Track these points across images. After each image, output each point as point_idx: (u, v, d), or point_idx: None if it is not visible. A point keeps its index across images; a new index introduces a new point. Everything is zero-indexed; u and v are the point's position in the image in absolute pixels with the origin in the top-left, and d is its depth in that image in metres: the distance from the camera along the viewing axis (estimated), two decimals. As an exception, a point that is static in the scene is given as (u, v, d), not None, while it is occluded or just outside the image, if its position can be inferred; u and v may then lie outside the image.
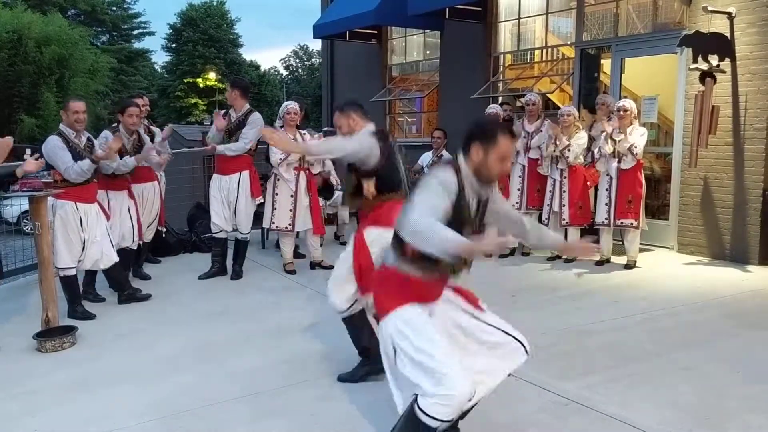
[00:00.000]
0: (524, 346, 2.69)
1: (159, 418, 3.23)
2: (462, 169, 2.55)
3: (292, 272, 6.23)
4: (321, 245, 6.54)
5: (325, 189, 6.88)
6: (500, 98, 9.11)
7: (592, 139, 6.49)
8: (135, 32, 40.67)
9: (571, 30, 8.65)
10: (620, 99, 6.64)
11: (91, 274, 5.41)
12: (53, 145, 4.81)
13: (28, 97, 24.99)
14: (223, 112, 6.10)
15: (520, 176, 6.80)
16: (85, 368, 3.96)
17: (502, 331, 2.68)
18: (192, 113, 40.76)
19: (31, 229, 4.70)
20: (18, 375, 3.90)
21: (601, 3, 8.24)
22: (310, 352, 4.02)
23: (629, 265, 6.18)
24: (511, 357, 2.68)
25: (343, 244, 6.27)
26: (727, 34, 6.36)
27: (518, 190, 6.81)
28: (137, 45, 40.21)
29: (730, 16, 6.35)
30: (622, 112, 6.01)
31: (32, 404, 3.45)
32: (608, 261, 6.35)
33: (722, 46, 6.31)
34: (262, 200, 6.17)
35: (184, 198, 8.16)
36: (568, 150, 6.26)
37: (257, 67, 45.35)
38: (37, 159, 4.54)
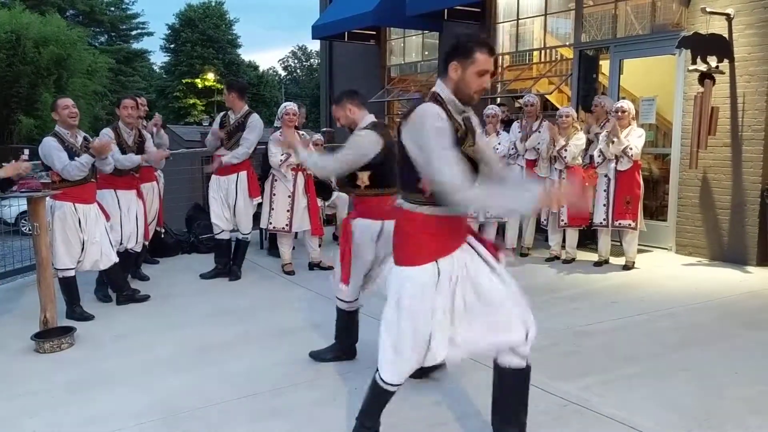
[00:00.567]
0: (526, 333, 2.59)
1: (158, 419, 3.23)
2: (442, 93, 2.52)
3: (291, 273, 6.23)
4: (320, 246, 6.54)
5: (323, 190, 6.88)
6: (498, 99, 9.12)
7: (590, 141, 6.49)
8: (133, 33, 40.70)
9: (569, 31, 8.66)
10: (618, 100, 6.64)
11: (101, 274, 5.40)
12: (49, 146, 4.80)
13: (26, 98, 24.98)
14: (222, 114, 6.11)
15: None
16: (83, 369, 3.96)
17: (513, 307, 2.59)
18: (190, 114, 40.78)
19: (30, 230, 4.69)
20: (16, 376, 3.89)
21: (599, 4, 8.25)
22: (308, 352, 4.01)
23: (627, 266, 6.18)
24: (505, 332, 2.58)
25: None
26: (726, 36, 6.37)
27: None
28: (136, 45, 40.26)
29: (729, 18, 6.36)
30: (620, 113, 6.01)
31: (30, 405, 3.44)
32: (606, 262, 6.35)
33: (721, 47, 6.32)
34: (261, 200, 6.18)
35: (182, 199, 8.16)
36: (565, 150, 6.27)
37: (256, 68, 45.38)
38: (20, 162, 4.43)
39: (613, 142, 6.03)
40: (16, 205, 9.59)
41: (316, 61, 44.51)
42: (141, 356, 4.15)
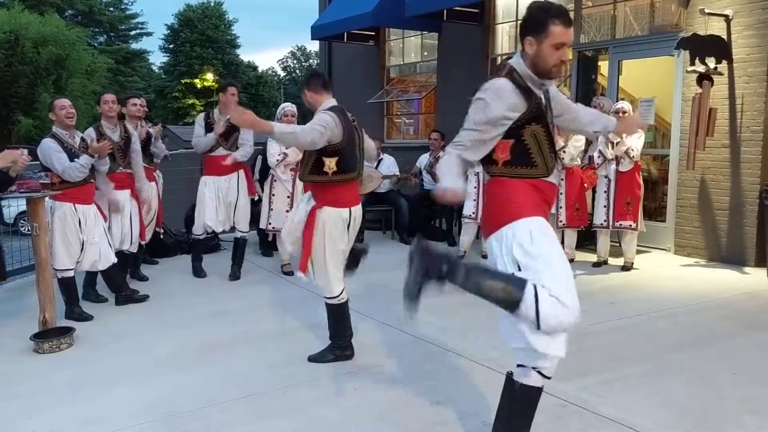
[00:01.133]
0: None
1: (157, 419, 3.23)
2: (518, 68, 2.44)
3: (290, 273, 6.22)
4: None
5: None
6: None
7: (589, 142, 6.50)
8: (132, 33, 40.70)
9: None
10: (617, 101, 6.66)
11: (90, 275, 5.40)
12: (48, 148, 4.79)
13: (25, 98, 24.98)
14: (204, 114, 6.17)
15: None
16: (82, 369, 3.96)
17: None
18: (189, 114, 40.72)
19: (29, 230, 4.69)
20: (15, 376, 3.89)
21: (598, 5, 8.26)
22: (308, 352, 4.01)
23: (626, 267, 6.19)
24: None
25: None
26: (725, 37, 6.38)
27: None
28: (135, 46, 40.27)
29: (727, 19, 6.37)
30: (620, 114, 6.02)
31: (29, 406, 3.44)
32: (605, 263, 6.36)
33: (719, 48, 6.33)
34: (256, 197, 6.25)
35: (181, 199, 8.14)
36: (564, 151, 6.27)
37: (255, 68, 45.37)
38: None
39: (613, 143, 6.04)
40: (15, 206, 9.58)
41: (316, 61, 44.51)
42: (140, 356, 4.15)
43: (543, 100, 2.51)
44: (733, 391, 3.39)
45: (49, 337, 4.35)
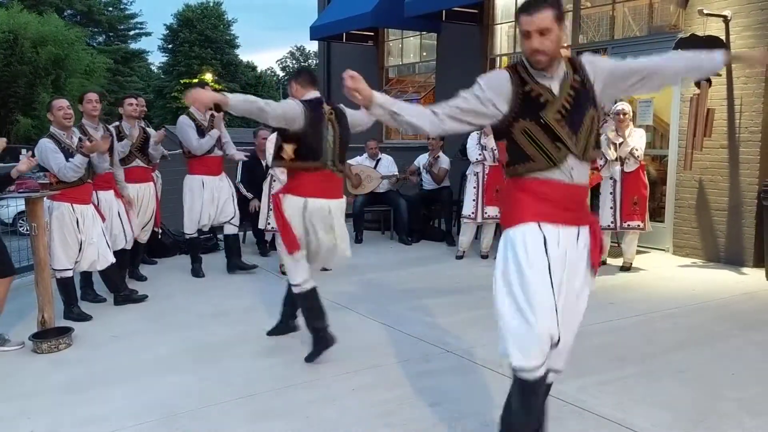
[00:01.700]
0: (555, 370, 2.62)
1: (157, 419, 3.23)
2: (521, 62, 2.52)
3: (289, 273, 6.22)
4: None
5: None
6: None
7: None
8: (131, 33, 40.66)
9: (567, 32, 8.67)
10: (617, 102, 6.66)
11: (86, 275, 5.39)
12: (45, 148, 4.79)
13: (24, 98, 24.95)
14: (185, 114, 6.35)
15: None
16: (81, 369, 3.95)
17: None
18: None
19: (27, 230, 4.69)
20: (14, 376, 3.89)
21: (597, 5, 8.27)
22: (307, 352, 4.01)
23: (625, 267, 6.20)
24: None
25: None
26: (723, 37, 6.39)
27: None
28: (134, 46, 40.24)
29: (726, 20, 6.38)
30: (621, 116, 6.03)
31: (28, 406, 3.43)
32: (604, 263, 6.36)
33: (718, 49, 6.32)
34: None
35: (180, 199, 8.11)
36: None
37: (254, 68, 45.39)
38: (29, 158, 4.50)
39: (615, 144, 6.04)
40: (13, 206, 9.57)
41: (315, 61, 44.47)
42: (139, 356, 4.14)
43: (547, 92, 2.44)
44: (731, 392, 3.40)
45: (47, 337, 4.34)
